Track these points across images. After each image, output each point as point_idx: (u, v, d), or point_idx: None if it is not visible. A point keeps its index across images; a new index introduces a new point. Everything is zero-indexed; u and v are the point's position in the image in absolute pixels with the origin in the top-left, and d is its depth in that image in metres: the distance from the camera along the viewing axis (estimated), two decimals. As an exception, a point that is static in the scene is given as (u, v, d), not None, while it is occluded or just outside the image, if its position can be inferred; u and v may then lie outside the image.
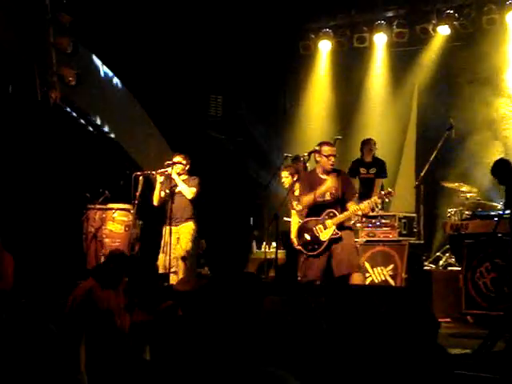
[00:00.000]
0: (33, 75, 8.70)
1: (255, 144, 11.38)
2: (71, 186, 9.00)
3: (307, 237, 7.09)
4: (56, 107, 8.85)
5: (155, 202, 8.36)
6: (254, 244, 10.19)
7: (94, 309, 5.36)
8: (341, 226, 7.00)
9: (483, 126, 9.83)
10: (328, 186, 7.01)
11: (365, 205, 7.10)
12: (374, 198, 7.33)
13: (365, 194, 8.82)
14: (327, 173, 7.08)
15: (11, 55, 8.69)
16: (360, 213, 7.22)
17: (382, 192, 7.39)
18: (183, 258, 8.10)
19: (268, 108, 11.38)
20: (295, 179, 8.26)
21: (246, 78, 11.14)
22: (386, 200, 7.39)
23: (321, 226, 7.01)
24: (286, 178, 8.44)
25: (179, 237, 8.24)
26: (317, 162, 7.17)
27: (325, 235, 6.98)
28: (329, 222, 6.97)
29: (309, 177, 7.38)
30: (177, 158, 8.31)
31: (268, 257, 8.79)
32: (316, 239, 7.02)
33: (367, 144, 9.56)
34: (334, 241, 6.96)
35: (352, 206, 7.00)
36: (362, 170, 9.55)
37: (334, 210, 7.01)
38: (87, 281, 5.73)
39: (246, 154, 11.31)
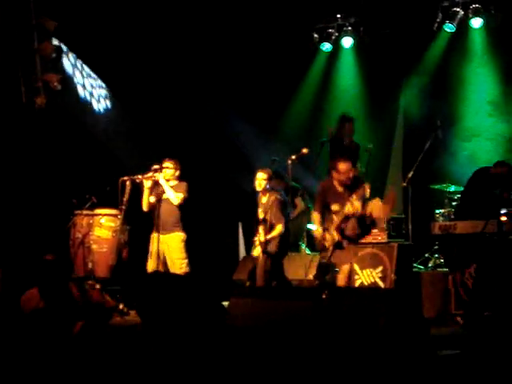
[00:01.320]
0: (18, 81, 8.65)
1: (244, 148, 11.34)
2: (57, 192, 8.94)
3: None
4: (41, 112, 8.81)
5: (144, 208, 8.29)
6: (243, 248, 10.16)
7: None
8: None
9: (470, 125, 9.88)
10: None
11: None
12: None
13: None
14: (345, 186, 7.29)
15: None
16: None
17: None
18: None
19: (258, 111, 11.32)
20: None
21: (244, 79, 11.09)
22: None
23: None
24: (262, 179, 8.17)
25: (169, 246, 8.18)
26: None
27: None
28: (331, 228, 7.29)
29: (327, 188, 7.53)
30: (166, 164, 8.26)
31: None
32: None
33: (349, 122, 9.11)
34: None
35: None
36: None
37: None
38: None
39: (236, 159, 11.26)
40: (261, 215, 8.15)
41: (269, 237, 7.99)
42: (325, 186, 7.61)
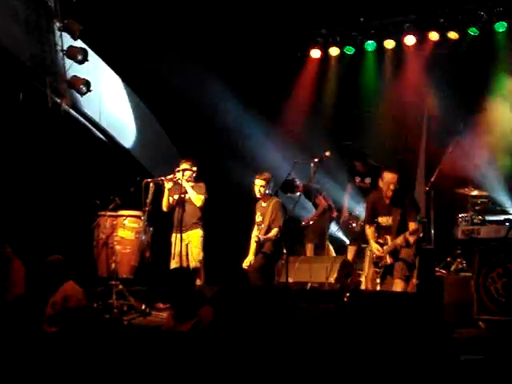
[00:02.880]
0: (43, 83, 8.75)
1: (260, 150, 11.37)
2: (82, 194, 9.02)
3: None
4: (66, 115, 8.90)
5: (164, 208, 8.51)
6: None
7: None
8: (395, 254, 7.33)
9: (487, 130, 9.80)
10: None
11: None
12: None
13: (360, 202, 9.15)
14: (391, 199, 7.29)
15: (22, 63, 8.74)
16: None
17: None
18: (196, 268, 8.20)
19: (271, 114, 11.34)
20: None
21: (252, 84, 11.12)
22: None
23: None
24: (260, 186, 8.26)
25: (188, 244, 8.30)
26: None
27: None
28: (384, 249, 7.36)
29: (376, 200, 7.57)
30: (185, 165, 8.34)
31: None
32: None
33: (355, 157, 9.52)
34: None
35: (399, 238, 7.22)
36: (357, 179, 9.56)
37: (387, 236, 7.35)
38: None
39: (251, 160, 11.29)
40: (258, 218, 8.26)
41: (264, 237, 8.10)
42: (373, 198, 7.63)
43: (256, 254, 8.16)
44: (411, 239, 7.14)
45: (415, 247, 7.31)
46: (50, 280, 6.56)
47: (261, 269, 8.06)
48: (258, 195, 8.28)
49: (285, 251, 8.87)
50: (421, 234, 7.43)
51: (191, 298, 5.86)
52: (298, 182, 9.32)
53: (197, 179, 8.52)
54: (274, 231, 8.12)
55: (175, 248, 8.13)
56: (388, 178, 7.24)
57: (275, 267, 8.41)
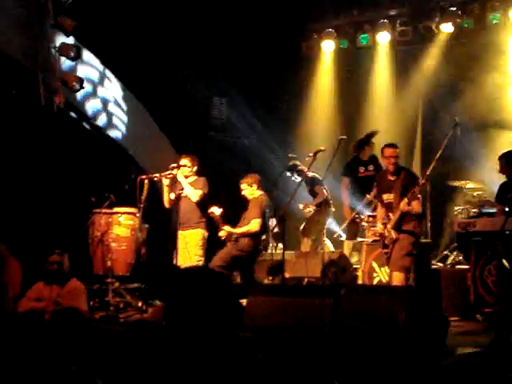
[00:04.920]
0: (36, 80, 8.70)
1: (257, 146, 11.36)
2: (76, 191, 8.99)
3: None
4: (60, 112, 8.85)
5: (166, 205, 8.38)
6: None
7: None
8: (399, 229, 7.30)
9: (489, 122, 9.78)
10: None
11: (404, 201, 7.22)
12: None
13: (365, 192, 9.04)
14: (393, 174, 7.41)
15: (15, 60, 8.70)
16: (406, 208, 7.24)
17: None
18: None
19: (269, 109, 11.33)
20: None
21: (248, 80, 11.10)
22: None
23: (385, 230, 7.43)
24: (244, 190, 8.39)
25: (188, 242, 8.22)
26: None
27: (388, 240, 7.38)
28: (388, 227, 7.34)
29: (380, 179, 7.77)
30: (183, 161, 8.28)
31: (275, 258, 8.81)
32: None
33: (369, 144, 9.55)
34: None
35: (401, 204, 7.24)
36: (361, 169, 9.56)
37: (389, 213, 7.38)
38: None
39: (248, 156, 11.28)
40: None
41: (239, 230, 8.18)
42: (378, 177, 7.88)
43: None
44: (413, 204, 7.19)
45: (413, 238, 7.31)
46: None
47: (227, 256, 8.13)
48: (249, 197, 8.40)
49: (281, 245, 8.90)
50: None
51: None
52: (302, 167, 9.31)
53: (199, 175, 8.44)
54: (251, 224, 8.17)
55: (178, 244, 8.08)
56: (389, 153, 7.45)
57: (254, 264, 8.51)
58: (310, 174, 9.17)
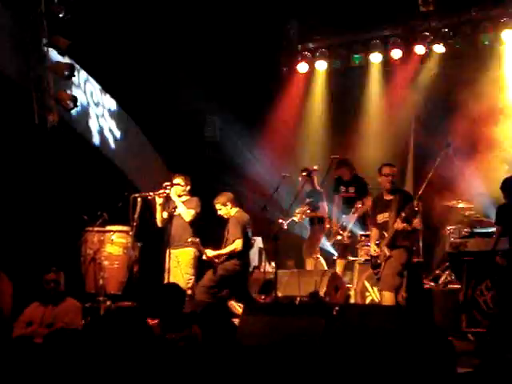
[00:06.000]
0: (30, 99, 8.73)
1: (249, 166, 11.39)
2: (69, 209, 8.97)
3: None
4: (53, 130, 8.87)
5: (159, 224, 8.43)
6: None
7: None
8: (393, 245, 7.29)
9: (482, 142, 9.84)
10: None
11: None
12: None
13: (345, 212, 9.28)
14: (390, 193, 7.44)
15: (9, 78, 8.72)
16: (401, 227, 7.26)
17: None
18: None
19: (259, 127, 11.37)
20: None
21: (240, 99, 11.16)
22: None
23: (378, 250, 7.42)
24: (219, 210, 8.35)
25: (179, 261, 8.22)
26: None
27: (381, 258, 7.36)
28: (382, 245, 7.35)
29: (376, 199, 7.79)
30: (176, 180, 8.31)
31: (267, 277, 8.82)
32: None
33: (341, 164, 9.61)
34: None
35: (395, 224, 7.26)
36: (342, 189, 9.63)
37: (384, 232, 7.38)
38: None
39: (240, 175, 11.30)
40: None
41: (223, 251, 8.14)
42: (375, 198, 7.90)
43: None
44: (414, 221, 7.27)
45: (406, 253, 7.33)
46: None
47: (209, 285, 8.09)
48: (226, 216, 8.37)
49: (274, 264, 8.90)
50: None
51: (179, 313, 5.90)
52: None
53: (192, 194, 8.47)
54: (234, 244, 8.15)
55: (168, 264, 8.06)
56: (387, 171, 7.51)
57: (246, 282, 8.50)
58: (319, 189, 9.42)
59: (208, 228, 8.64)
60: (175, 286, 6.53)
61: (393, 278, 7.23)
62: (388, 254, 7.27)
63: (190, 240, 8.14)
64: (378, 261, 7.37)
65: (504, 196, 7.34)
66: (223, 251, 8.18)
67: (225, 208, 8.33)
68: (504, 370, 4.85)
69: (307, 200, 9.43)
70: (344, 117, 11.37)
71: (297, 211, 9.32)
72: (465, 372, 5.41)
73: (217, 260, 8.12)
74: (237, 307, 8.38)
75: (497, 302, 7.21)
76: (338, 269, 9.36)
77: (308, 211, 9.41)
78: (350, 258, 9.38)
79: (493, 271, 7.26)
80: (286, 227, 8.84)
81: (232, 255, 8.17)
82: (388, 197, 7.50)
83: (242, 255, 8.26)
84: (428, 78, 10.80)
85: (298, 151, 11.45)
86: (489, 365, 5.32)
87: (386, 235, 7.33)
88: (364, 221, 9.23)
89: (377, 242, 7.45)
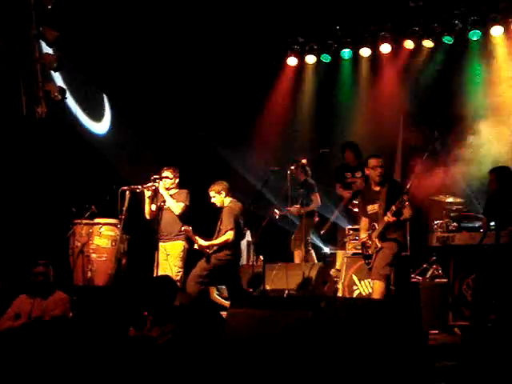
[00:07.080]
0: (18, 90, 8.67)
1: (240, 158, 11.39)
2: (57, 201, 8.96)
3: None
4: (42, 122, 8.83)
5: (147, 216, 8.44)
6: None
7: None
8: (383, 237, 7.29)
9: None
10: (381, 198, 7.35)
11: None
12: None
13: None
14: (378, 184, 7.43)
15: (-4, 71, 8.67)
16: (392, 219, 7.26)
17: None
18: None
19: (248, 122, 11.37)
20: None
21: (224, 96, 11.16)
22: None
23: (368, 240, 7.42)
24: (212, 197, 8.32)
25: (169, 254, 8.24)
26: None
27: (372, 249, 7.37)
28: (372, 236, 7.35)
29: (365, 190, 7.80)
30: (165, 173, 8.32)
31: (256, 270, 8.84)
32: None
33: (351, 147, 9.60)
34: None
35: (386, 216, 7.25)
36: (348, 175, 9.62)
37: (374, 223, 7.38)
38: None
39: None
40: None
41: (214, 242, 8.10)
42: (363, 189, 7.92)
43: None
44: (405, 211, 7.25)
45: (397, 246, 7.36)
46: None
47: (199, 274, 8.07)
48: (219, 205, 8.34)
49: (261, 258, 8.93)
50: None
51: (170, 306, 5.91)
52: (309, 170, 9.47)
53: (180, 187, 8.47)
54: (226, 235, 8.12)
55: (157, 256, 8.06)
56: (374, 163, 7.46)
57: (240, 270, 8.55)
58: (311, 180, 9.40)
59: (197, 220, 8.64)
60: (167, 277, 6.51)
61: (384, 267, 7.24)
62: (379, 245, 7.30)
63: (183, 228, 8.14)
64: (370, 251, 7.39)
65: (492, 184, 7.40)
66: (215, 242, 8.17)
67: (219, 196, 8.30)
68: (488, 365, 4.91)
69: (300, 190, 9.39)
70: (332, 110, 11.39)
71: (294, 207, 9.36)
72: (450, 365, 5.46)
73: (208, 250, 8.12)
74: (220, 299, 8.43)
75: (482, 295, 7.25)
76: (339, 260, 9.35)
77: (302, 211, 9.37)
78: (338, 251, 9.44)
79: (480, 265, 7.30)
80: (277, 217, 8.89)
81: (224, 246, 8.17)
82: (376, 187, 7.50)
83: (234, 245, 8.26)
84: (417, 72, 10.82)
85: (286, 145, 11.45)
86: (473, 358, 5.38)
87: (377, 227, 7.35)
88: (349, 214, 9.27)
89: (368, 232, 7.46)
